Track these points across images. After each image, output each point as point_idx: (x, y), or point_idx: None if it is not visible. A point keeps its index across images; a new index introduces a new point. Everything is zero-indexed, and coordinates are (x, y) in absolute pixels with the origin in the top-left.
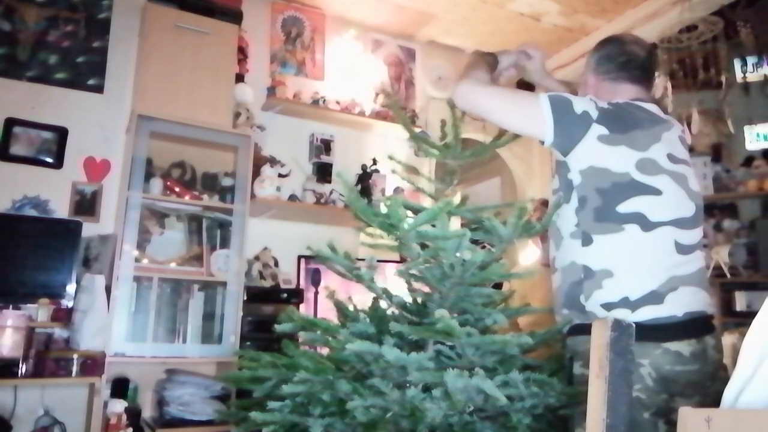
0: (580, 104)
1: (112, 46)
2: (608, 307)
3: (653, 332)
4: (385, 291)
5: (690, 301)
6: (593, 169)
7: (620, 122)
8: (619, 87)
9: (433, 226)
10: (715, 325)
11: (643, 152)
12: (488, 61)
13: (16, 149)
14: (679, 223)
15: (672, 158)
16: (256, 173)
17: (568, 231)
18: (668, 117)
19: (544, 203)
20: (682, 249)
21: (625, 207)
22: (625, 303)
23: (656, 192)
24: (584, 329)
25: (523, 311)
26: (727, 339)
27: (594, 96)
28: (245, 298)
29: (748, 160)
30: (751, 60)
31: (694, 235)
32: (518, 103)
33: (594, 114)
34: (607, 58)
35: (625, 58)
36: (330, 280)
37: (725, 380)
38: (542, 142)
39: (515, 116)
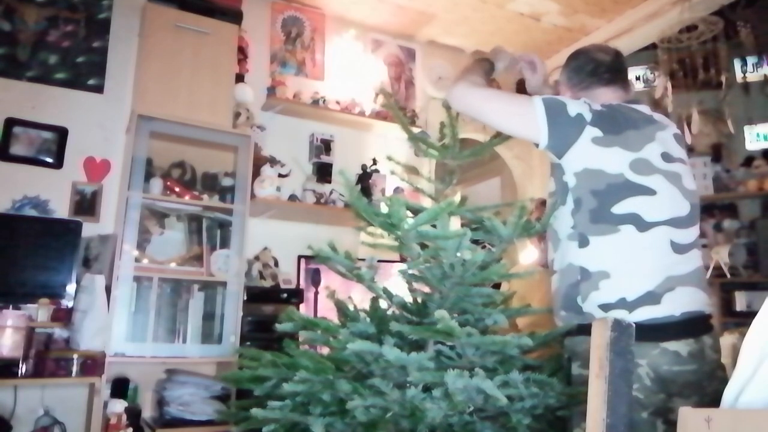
0: (574, 107)
1: (112, 46)
2: (605, 308)
3: (651, 332)
4: (386, 291)
5: (687, 300)
6: (587, 170)
7: (614, 123)
8: (593, 93)
9: (434, 226)
10: (714, 324)
11: (636, 153)
12: (484, 67)
13: (16, 149)
14: (675, 223)
15: (666, 157)
16: (256, 173)
17: (564, 233)
18: (662, 117)
19: (543, 203)
20: (678, 248)
21: (619, 208)
22: (623, 304)
23: (650, 192)
24: (582, 329)
25: (523, 312)
26: (727, 339)
27: None
28: (245, 298)
29: (748, 160)
30: (751, 60)
31: (690, 234)
32: (513, 105)
33: (588, 116)
34: (575, 70)
35: (593, 66)
36: (330, 280)
37: (723, 380)
38: (537, 145)
39: (509, 119)
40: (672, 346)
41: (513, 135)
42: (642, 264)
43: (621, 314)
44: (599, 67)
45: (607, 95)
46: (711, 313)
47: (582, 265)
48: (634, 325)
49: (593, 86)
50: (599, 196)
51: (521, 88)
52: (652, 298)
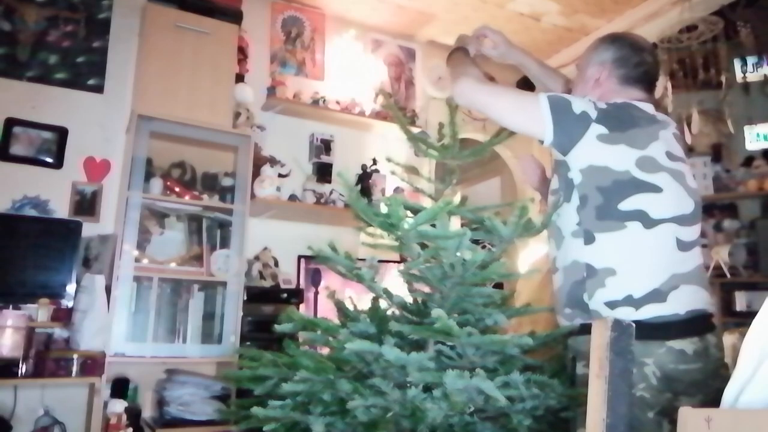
0: (579, 104)
1: (112, 46)
2: (612, 305)
3: (657, 331)
4: (386, 291)
5: (691, 299)
6: (593, 167)
7: (619, 121)
8: (625, 90)
9: (434, 225)
10: (715, 323)
11: (642, 150)
12: (468, 57)
13: (16, 149)
14: (680, 220)
15: (670, 156)
16: (256, 173)
17: (569, 230)
18: (663, 116)
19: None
20: (683, 246)
21: (626, 205)
22: (629, 301)
23: (657, 189)
24: (585, 329)
25: (523, 311)
26: (727, 339)
27: (598, 93)
28: (245, 298)
29: (748, 160)
30: (751, 60)
31: (693, 232)
32: (518, 102)
33: (593, 114)
34: (624, 60)
35: (642, 69)
36: (330, 280)
37: (727, 378)
38: (541, 142)
39: (515, 115)
40: (677, 344)
41: (518, 131)
42: (648, 261)
43: (627, 311)
44: (646, 73)
45: (634, 96)
46: (713, 312)
47: (588, 262)
48: (633, 324)
49: (629, 85)
50: (605, 193)
51: (523, 85)
52: (658, 295)
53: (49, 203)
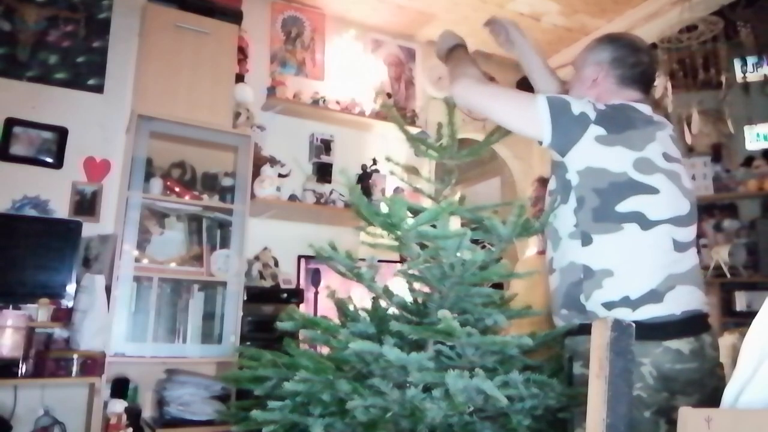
0: (578, 106)
1: (112, 46)
2: (609, 306)
3: (653, 331)
4: (386, 291)
5: (687, 299)
6: (591, 169)
7: (616, 123)
8: (622, 91)
9: (434, 226)
10: (712, 323)
11: (639, 152)
12: (469, 54)
13: (16, 149)
14: (676, 221)
15: (667, 157)
16: (256, 173)
17: (566, 231)
18: (659, 117)
19: (543, 181)
20: (679, 246)
21: (623, 206)
22: (626, 302)
23: (653, 191)
24: (583, 329)
25: (524, 313)
26: (727, 339)
27: (595, 93)
28: (245, 298)
29: (748, 160)
30: (751, 60)
31: (689, 233)
32: (517, 103)
33: (592, 115)
34: (621, 61)
35: (639, 69)
36: (330, 279)
37: (722, 378)
38: (540, 143)
39: (514, 116)
40: (674, 344)
41: (516, 132)
42: (645, 262)
43: (624, 312)
44: (643, 74)
45: (631, 96)
46: (708, 312)
47: (585, 263)
48: (633, 325)
49: (626, 85)
50: (602, 195)
51: (523, 85)
52: (654, 296)
53: (49, 203)
